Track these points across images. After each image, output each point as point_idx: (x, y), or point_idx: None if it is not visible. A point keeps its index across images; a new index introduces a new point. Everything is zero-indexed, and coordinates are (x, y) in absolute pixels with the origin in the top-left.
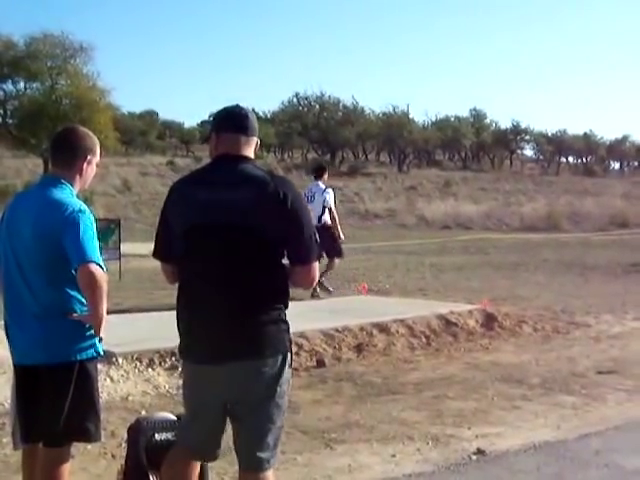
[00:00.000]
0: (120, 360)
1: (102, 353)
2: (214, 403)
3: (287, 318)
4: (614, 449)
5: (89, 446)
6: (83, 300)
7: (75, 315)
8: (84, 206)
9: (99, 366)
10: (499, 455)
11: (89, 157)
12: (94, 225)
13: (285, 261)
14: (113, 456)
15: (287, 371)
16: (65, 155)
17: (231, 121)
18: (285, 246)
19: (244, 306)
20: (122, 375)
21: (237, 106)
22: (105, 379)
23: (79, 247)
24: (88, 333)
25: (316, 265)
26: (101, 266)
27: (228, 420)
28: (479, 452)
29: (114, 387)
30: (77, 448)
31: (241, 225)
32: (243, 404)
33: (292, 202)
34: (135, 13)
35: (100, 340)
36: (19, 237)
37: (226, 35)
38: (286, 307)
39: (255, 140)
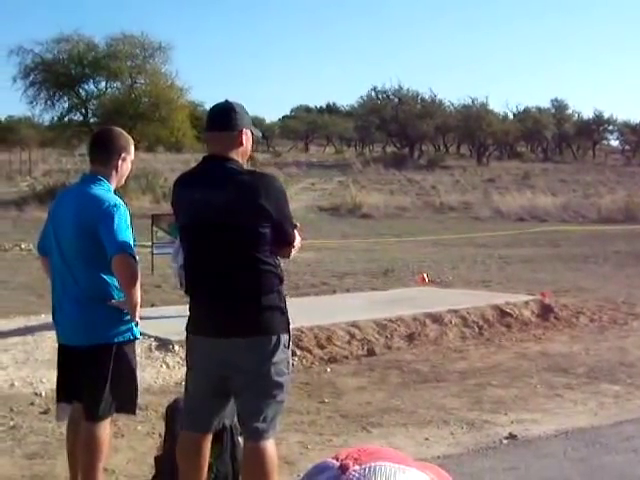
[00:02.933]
0: (176, 347)
1: (138, 336)
2: (211, 374)
3: (284, 304)
4: None
5: (139, 426)
6: None
7: (114, 301)
8: (119, 201)
9: (157, 352)
10: (530, 440)
11: (123, 155)
12: (128, 218)
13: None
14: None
15: (283, 351)
16: (101, 154)
17: (211, 118)
18: (270, 235)
19: (235, 295)
20: (177, 362)
21: (221, 102)
22: (161, 365)
23: (114, 238)
24: (125, 318)
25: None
26: (134, 256)
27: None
28: (511, 437)
29: (169, 373)
30: (128, 427)
31: (225, 223)
32: (237, 379)
33: (271, 197)
34: (218, 10)
35: (136, 324)
36: (62, 229)
37: (305, 30)
38: (280, 293)
39: (239, 132)
